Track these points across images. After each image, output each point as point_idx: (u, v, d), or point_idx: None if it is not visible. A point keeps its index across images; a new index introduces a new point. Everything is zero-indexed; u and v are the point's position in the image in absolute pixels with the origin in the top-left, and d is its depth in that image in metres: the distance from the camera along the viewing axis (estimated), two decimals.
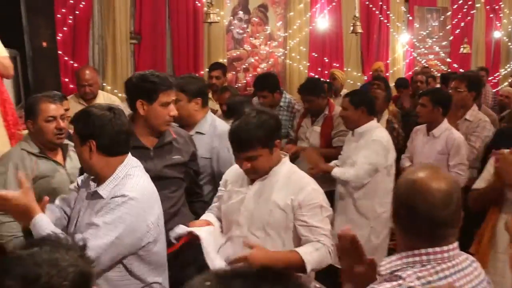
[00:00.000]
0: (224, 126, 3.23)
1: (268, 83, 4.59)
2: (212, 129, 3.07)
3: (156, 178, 2.53)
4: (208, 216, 2.49)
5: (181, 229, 2.27)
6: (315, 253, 2.15)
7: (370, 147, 3.50)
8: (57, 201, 2.28)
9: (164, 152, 2.65)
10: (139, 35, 6.24)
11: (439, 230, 1.45)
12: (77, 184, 2.29)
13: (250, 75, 7.29)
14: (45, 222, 1.93)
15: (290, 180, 2.26)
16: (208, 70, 5.18)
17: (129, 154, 2.14)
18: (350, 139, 3.71)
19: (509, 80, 8.42)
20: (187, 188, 2.79)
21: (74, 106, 4.40)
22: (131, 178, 2.06)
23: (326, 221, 2.24)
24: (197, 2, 6.52)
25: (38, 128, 2.70)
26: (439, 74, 9.28)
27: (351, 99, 3.62)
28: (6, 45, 3.32)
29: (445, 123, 3.79)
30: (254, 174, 2.25)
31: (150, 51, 6.25)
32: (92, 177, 2.15)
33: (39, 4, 4.64)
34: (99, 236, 1.91)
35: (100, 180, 2.09)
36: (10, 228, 2.58)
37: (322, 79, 6.22)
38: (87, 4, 5.81)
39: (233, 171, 2.46)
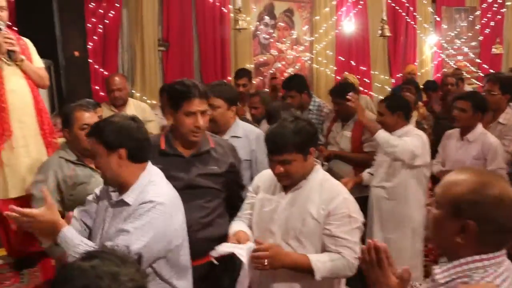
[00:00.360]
0: (257, 129, 3.25)
1: (296, 83, 4.61)
2: (247, 133, 3.08)
3: (189, 187, 2.55)
4: (240, 225, 2.43)
5: (225, 248, 2.21)
6: (329, 263, 2.13)
7: (413, 137, 3.52)
8: (75, 213, 2.29)
9: (200, 162, 2.61)
10: (167, 42, 6.31)
11: (507, 238, 1.44)
12: (96, 195, 2.30)
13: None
14: (74, 233, 1.97)
15: (322, 189, 2.24)
16: (234, 77, 5.18)
17: (149, 161, 2.18)
18: None
19: None
20: (228, 200, 2.72)
21: (106, 113, 4.48)
22: (155, 185, 2.10)
23: (354, 233, 2.19)
24: (223, 9, 6.57)
25: (74, 136, 2.75)
26: (469, 76, 9.18)
27: (388, 104, 3.60)
28: (41, 56, 3.40)
29: (479, 127, 3.70)
30: (287, 179, 2.23)
31: (178, 58, 6.32)
32: (112, 187, 2.17)
33: (71, 15, 4.78)
34: (131, 242, 1.93)
35: (123, 188, 2.10)
36: None
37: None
38: (116, 13, 5.92)
39: (265, 177, 2.44)
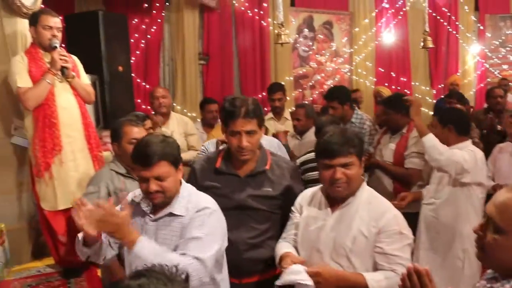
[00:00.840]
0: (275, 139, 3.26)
1: (338, 94, 4.52)
2: (266, 142, 2.97)
3: (239, 207, 2.51)
4: (286, 246, 2.37)
5: (290, 277, 2.09)
6: (384, 282, 2.07)
7: (464, 151, 3.27)
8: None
9: (254, 182, 2.54)
10: (207, 55, 6.39)
11: None
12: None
13: (317, 92, 7.28)
14: (151, 243, 2.01)
15: (371, 206, 2.19)
16: (268, 93, 5.16)
17: None
18: None
19: None
20: (284, 223, 2.55)
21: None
22: (197, 194, 2.22)
23: (406, 250, 2.13)
24: (263, 22, 6.61)
25: (123, 150, 2.81)
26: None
27: (440, 117, 3.43)
28: (87, 71, 3.50)
29: None
30: (345, 185, 2.15)
31: (218, 71, 6.39)
32: (163, 204, 2.16)
33: (115, 32, 4.87)
34: (206, 248, 2.04)
35: (166, 202, 2.15)
36: None
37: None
38: (158, 28, 6.05)
39: (308, 195, 2.38)
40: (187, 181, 2.60)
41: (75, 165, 3.20)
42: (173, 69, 6.28)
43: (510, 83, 8.28)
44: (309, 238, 2.26)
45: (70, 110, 3.22)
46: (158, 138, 2.15)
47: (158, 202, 2.14)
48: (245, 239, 2.51)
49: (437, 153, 3.22)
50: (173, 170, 2.13)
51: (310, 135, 4.24)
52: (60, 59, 3.13)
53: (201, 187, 2.63)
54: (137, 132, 2.82)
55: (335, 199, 2.23)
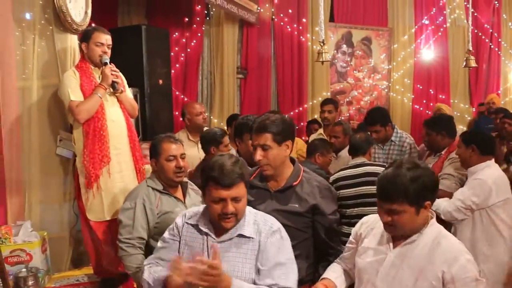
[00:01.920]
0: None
1: (380, 116, 4.46)
2: None
3: None
4: (334, 269, 2.35)
5: None
6: None
7: (469, 184, 3.31)
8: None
9: (283, 197, 2.55)
10: (246, 70, 6.44)
11: None
12: (177, 232, 2.21)
13: (354, 108, 7.23)
14: (243, 284, 2.00)
15: (440, 247, 2.00)
16: (320, 105, 5.16)
17: None
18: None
19: None
20: (317, 245, 2.58)
21: (186, 142, 4.57)
22: (260, 214, 2.21)
23: None
24: (301, 37, 6.63)
25: (160, 166, 2.85)
26: None
27: (463, 137, 3.44)
28: (129, 85, 3.58)
29: None
30: (393, 230, 2.05)
31: (256, 85, 6.43)
32: (203, 222, 2.14)
33: (157, 46, 4.98)
34: (290, 274, 2.08)
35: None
36: (137, 260, 2.72)
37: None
38: (198, 41, 6.14)
39: (369, 223, 2.27)
40: None
41: (122, 177, 3.26)
42: (211, 83, 6.35)
43: None
44: (366, 271, 2.15)
45: (118, 123, 3.29)
46: (233, 158, 2.10)
47: (231, 226, 2.08)
48: None
49: (443, 210, 3.35)
50: (245, 192, 2.12)
51: (345, 153, 4.21)
52: (111, 74, 3.23)
53: None
54: (175, 149, 2.84)
55: (395, 235, 2.08)
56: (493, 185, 3.25)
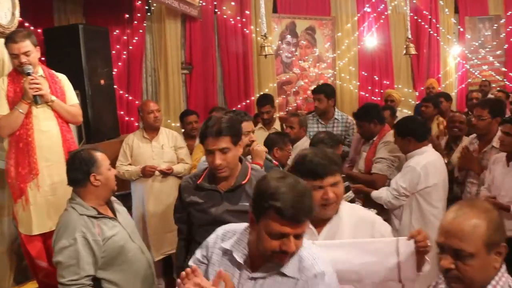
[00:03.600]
0: None
1: (326, 88, 4.82)
2: None
3: (217, 223, 2.49)
4: None
5: None
6: None
7: (401, 172, 3.54)
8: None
9: (233, 197, 2.55)
10: (190, 65, 6.35)
11: None
12: (206, 253, 2.01)
13: (300, 97, 7.29)
14: None
15: (359, 219, 2.19)
16: (256, 104, 5.20)
17: None
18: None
19: None
20: None
21: (139, 141, 4.49)
22: (310, 249, 1.85)
23: None
24: (245, 30, 6.59)
25: (105, 179, 2.59)
26: (494, 85, 9.01)
27: (397, 129, 3.62)
28: None
29: None
30: (335, 206, 2.13)
31: (201, 80, 6.35)
32: (240, 251, 1.86)
33: (97, 45, 4.81)
34: None
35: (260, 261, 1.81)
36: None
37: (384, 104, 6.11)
38: (140, 38, 5.98)
39: None
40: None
41: (53, 190, 3.10)
42: (156, 80, 6.22)
43: (491, 84, 8.42)
44: None
45: (50, 134, 3.12)
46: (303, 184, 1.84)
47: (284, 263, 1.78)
48: None
49: (384, 199, 3.56)
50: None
51: (301, 145, 4.26)
52: (31, 88, 2.99)
53: (185, 203, 2.66)
54: (106, 157, 2.66)
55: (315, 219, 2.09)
56: (421, 171, 3.44)
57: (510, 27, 9.63)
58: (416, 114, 6.05)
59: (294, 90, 7.20)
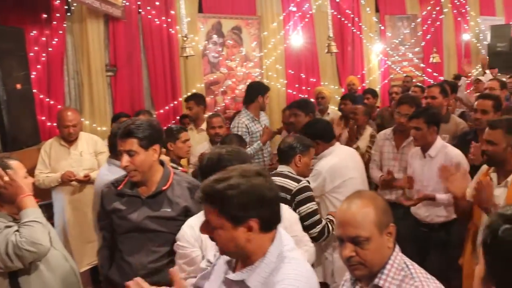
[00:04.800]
0: None
1: (255, 88, 5.02)
2: None
3: (136, 230, 2.50)
4: None
5: None
6: None
7: (311, 173, 3.56)
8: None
9: (154, 203, 2.52)
10: (115, 66, 6.19)
11: None
12: (209, 261, 1.99)
13: (229, 97, 7.30)
14: None
15: None
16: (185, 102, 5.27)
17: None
18: None
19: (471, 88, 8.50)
20: None
21: (57, 149, 4.35)
22: (290, 263, 1.64)
23: None
24: (171, 30, 6.51)
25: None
26: (414, 80, 9.47)
27: (307, 134, 3.59)
28: None
29: (439, 141, 3.70)
30: None
31: (127, 82, 6.21)
32: (228, 258, 1.74)
33: (11, 47, 4.59)
34: None
35: (243, 264, 1.67)
36: None
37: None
38: (60, 39, 5.76)
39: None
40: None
41: None
42: (79, 83, 6.01)
43: (413, 79, 8.85)
44: None
45: None
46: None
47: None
48: (145, 263, 2.49)
49: None
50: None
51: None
52: None
53: (107, 211, 2.60)
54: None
55: None
56: (326, 174, 3.55)
57: (425, 25, 10.17)
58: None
59: (222, 90, 7.20)
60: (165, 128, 3.99)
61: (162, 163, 2.63)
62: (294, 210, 2.99)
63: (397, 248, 1.76)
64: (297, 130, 4.21)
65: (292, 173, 3.19)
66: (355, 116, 5.04)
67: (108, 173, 3.17)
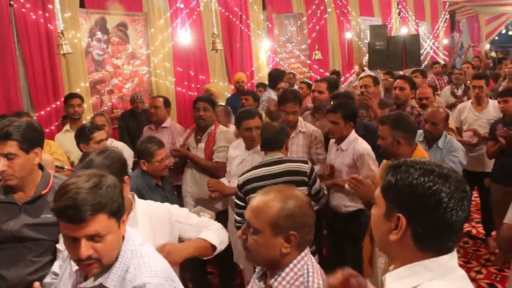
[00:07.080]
0: None
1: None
2: None
3: (14, 239, 2.34)
4: None
5: None
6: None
7: None
8: None
9: (33, 209, 2.38)
10: None
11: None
12: (54, 273, 1.99)
13: (116, 96, 7.08)
14: None
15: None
16: (64, 101, 5.08)
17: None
18: None
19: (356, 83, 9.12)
20: None
21: None
22: (142, 257, 1.68)
23: None
24: (49, 25, 6.14)
25: None
26: (301, 76, 9.88)
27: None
28: None
29: (352, 135, 3.85)
30: None
31: (1, 84, 5.71)
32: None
33: None
34: None
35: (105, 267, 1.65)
36: None
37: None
38: None
39: None
40: None
41: None
42: None
43: (296, 76, 9.23)
44: None
45: None
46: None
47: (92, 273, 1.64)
48: (24, 275, 2.34)
49: None
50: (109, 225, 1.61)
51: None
52: None
53: None
54: None
55: None
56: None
57: (311, 24, 10.64)
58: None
59: (108, 89, 6.94)
60: (79, 128, 4.00)
61: (41, 166, 2.50)
62: (311, 187, 3.40)
63: (305, 254, 1.77)
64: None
65: (292, 157, 3.57)
66: None
67: None
